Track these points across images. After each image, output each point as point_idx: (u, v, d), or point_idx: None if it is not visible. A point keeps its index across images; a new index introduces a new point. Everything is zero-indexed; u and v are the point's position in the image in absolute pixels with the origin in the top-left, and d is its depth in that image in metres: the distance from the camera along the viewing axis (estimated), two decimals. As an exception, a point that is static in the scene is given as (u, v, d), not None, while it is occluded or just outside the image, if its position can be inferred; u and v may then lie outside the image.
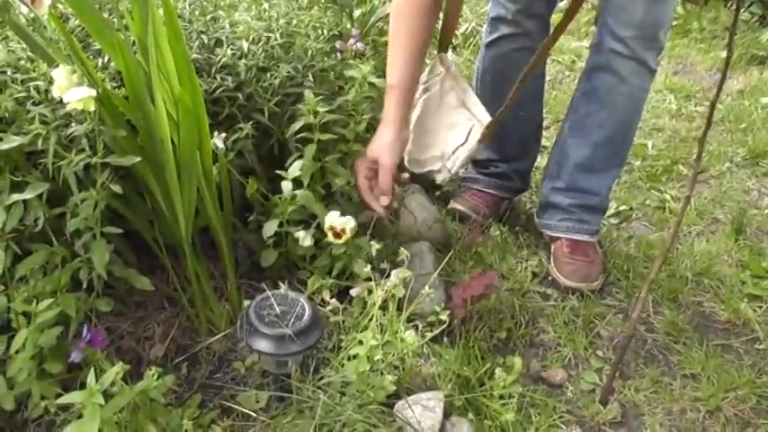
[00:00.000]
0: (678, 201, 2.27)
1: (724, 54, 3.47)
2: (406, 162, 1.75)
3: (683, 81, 3.21)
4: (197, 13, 1.62)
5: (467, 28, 3.01)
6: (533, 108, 2.01)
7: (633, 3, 1.63)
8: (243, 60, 1.53)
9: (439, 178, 1.77)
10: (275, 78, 1.53)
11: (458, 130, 1.73)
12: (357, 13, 2.14)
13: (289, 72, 1.54)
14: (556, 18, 3.48)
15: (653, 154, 2.57)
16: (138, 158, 1.23)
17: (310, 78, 1.60)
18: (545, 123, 2.33)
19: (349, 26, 2.02)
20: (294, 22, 1.66)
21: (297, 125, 1.52)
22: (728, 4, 3.79)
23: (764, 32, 3.58)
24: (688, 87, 3.15)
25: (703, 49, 3.57)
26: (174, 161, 1.26)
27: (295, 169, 1.51)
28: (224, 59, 1.51)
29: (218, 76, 1.50)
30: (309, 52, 1.63)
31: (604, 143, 1.80)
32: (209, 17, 1.62)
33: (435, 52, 1.83)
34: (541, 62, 1.93)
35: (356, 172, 1.58)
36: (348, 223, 1.47)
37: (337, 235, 1.47)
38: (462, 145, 1.72)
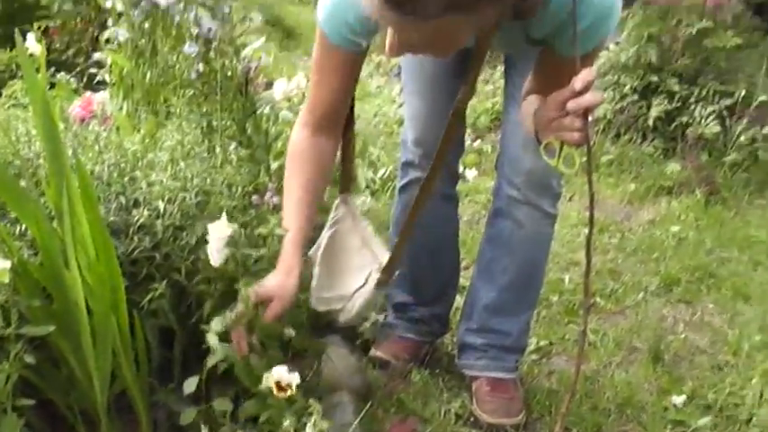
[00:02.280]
0: (597, 333, 2.38)
1: (633, 187, 3.73)
2: (312, 300, 1.77)
3: (595, 215, 3.39)
4: (115, 174, 1.70)
5: (384, 172, 3.17)
6: (449, 252, 2.11)
7: (524, 150, 1.76)
8: (159, 220, 1.61)
9: (341, 318, 1.79)
10: (191, 237, 1.61)
11: (361, 272, 1.77)
12: (274, 165, 2.25)
13: (204, 230, 1.62)
14: (468, 160, 3.70)
15: (570, 288, 2.70)
16: (53, 327, 1.27)
17: (226, 235, 1.67)
18: (464, 264, 2.44)
19: (267, 179, 2.12)
20: (209, 180, 1.75)
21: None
22: (633, 139, 4.09)
23: (668, 164, 3.86)
24: (601, 221, 3.34)
25: (612, 182, 3.82)
26: (90, 326, 1.30)
27: (217, 324, 1.55)
28: (141, 220, 1.59)
29: (135, 237, 1.57)
30: (225, 210, 1.71)
31: (510, 287, 1.90)
32: (127, 178, 1.70)
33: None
34: (451, 206, 2.07)
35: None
36: (294, 379, 1.49)
37: (282, 389, 1.49)
38: (362, 287, 1.76)
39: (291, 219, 1.59)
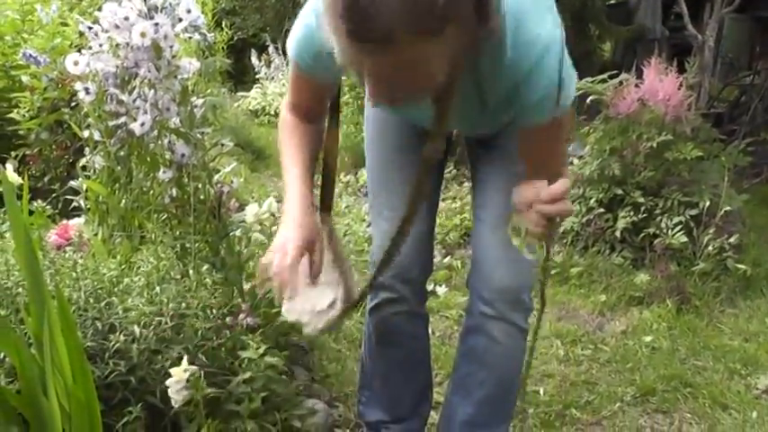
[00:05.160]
0: (573, 445, 2.43)
1: (603, 297, 3.83)
2: (283, 310, 1.74)
3: (567, 326, 3.50)
4: (92, 300, 1.78)
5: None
6: (421, 369, 2.17)
7: (496, 267, 1.83)
8: (135, 345, 1.68)
9: (305, 331, 1.78)
10: (167, 360, 1.68)
11: (327, 292, 1.75)
12: (247, 286, 2.33)
13: (179, 353, 1.69)
14: (439, 276, 3.79)
15: (545, 400, 2.76)
16: (31, 454, 1.32)
17: (202, 358, 1.75)
18: (438, 379, 2.50)
19: (240, 301, 2.20)
20: (183, 304, 1.83)
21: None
22: (601, 250, 4.22)
23: (638, 274, 3.96)
24: (573, 332, 3.42)
25: (583, 293, 3.91)
26: (67, 452, 1.35)
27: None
28: (117, 345, 1.66)
29: (110, 362, 1.64)
30: (200, 332, 1.79)
31: (486, 401, 1.94)
32: (103, 303, 1.78)
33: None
34: (421, 324, 2.12)
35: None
36: None
37: None
38: (324, 311, 1.73)
39: (293, 170, 1.71)
